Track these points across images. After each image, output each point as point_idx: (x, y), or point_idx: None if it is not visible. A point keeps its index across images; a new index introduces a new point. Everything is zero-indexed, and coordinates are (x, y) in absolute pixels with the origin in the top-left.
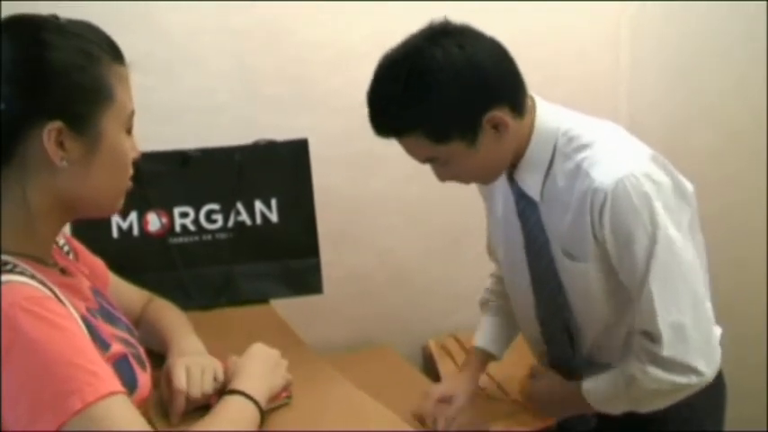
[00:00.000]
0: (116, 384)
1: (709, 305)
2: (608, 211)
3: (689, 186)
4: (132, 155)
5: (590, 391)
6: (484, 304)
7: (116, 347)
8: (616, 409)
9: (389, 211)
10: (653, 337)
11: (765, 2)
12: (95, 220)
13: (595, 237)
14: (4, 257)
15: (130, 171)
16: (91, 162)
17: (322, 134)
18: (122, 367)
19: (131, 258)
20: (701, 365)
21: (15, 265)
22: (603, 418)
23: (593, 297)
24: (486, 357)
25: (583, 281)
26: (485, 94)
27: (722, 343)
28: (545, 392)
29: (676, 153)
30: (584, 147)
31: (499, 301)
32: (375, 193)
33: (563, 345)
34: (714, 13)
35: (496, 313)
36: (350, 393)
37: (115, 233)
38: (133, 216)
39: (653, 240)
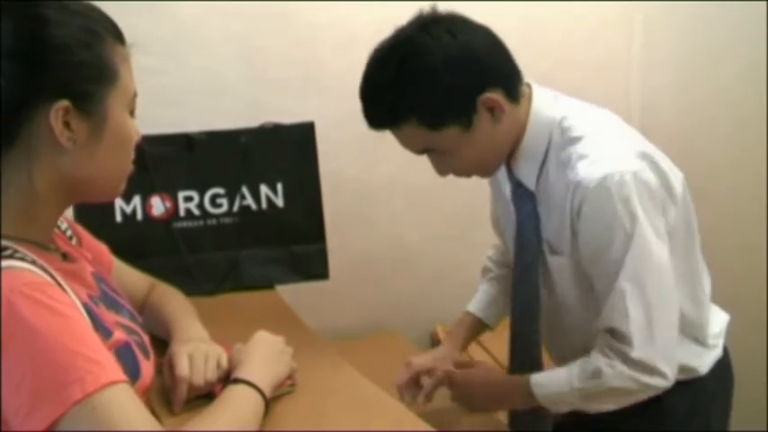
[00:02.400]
0: (118, 373)
1: (676, 311)
2: (587, 208)
3: (677, 180)
4: (135, 137)
5: (542, 384)
6: (484, 272)
7: (118, 335)
8: (562, 407)
9: (397, 195)
10: (621, 336)
11: None
12: (98, 205)
13: (572, 230)
14: (4, 243)
15: (133, 154)
16: (96, 143)
17: (328, 117)
18: (125, 355)
19: (135, 243)
20: (666, 369)
21: (15, 251)
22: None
23: (569, 294)
24: (477, 325)
25: (560, 276)
26: (478, 77)
27: (729, 330)
28: (479, 383)
29: (686, 136)
30: (575, 139)
31: (500, 270)
32: (383, 177)
33: (530, 349)
34: None
35: (495, 281)
36: (355, 381)
37: (119, 217)
38: (137, 200)
39: (628, 239)
